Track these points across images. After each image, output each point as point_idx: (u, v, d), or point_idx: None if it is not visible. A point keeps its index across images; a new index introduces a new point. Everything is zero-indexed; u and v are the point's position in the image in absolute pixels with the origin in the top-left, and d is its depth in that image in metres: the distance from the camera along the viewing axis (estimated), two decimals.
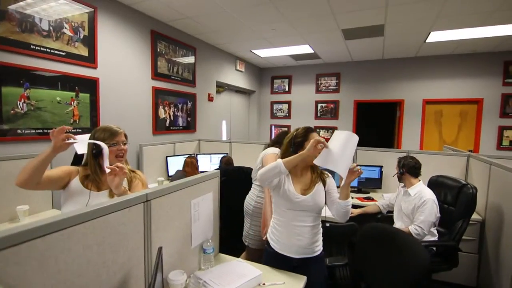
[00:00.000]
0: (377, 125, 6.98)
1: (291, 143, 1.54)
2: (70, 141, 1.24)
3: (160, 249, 1.06)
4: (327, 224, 2.18)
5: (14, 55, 2.24)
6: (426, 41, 4.34)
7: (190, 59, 4.33)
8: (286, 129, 6.38)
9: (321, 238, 1.60)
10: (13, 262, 0.72)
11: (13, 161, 2.16)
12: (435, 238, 2.28)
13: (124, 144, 1.46)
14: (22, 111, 2.30)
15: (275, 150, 2.07)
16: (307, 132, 1.54)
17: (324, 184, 1.55)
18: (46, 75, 2.46)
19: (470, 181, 2.93)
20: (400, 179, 2.42)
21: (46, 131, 2.46)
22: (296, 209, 1.50)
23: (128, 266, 1.06)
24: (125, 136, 1.48)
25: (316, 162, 1.38)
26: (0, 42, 2.14)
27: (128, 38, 3.29)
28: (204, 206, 1.52)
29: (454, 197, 2.32)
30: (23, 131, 2.32)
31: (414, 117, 5.59)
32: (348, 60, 5.88)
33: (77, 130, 2.69)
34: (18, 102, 2.27)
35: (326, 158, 1.36)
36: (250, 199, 2.28)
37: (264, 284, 1.39)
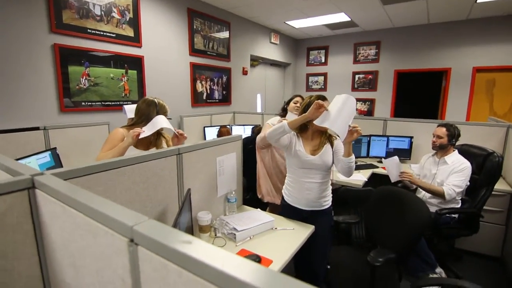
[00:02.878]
0: (419, 96, 6.59)
1: (304, 109, 1.71)
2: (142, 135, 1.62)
3: (188, 190, 1.36)
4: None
5: (76, 38, 2.67)
6: (478, 1, 3.94)
7: (225, 34, 4.52)
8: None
9: (330, 195, 1.80)
10: (87, 186, 1.06)
11: (80, 128, 2.67)
12: (458, 206, 2.32)
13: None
14: (84, 87, 2.76)
15: (275, 121, 2.31)
16: (318, 99, 1.69)
17: (332, 145, 1.71)
18: (101, 55, 2.87)
19: (507, 153, 2.81)
20: (441, 147, 2.36)
21: (103, 103, 2.92)
22: (305, 167, 1.70)
23: (166, 202, 1.39)
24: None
25: (315, 122, 1.55)
26: (64, 28, 2.56)
27: (167, 17, 3.58)
28: (228, 163, 1.80)
29: (479, 166, 2.31)
30: (86, 103, 2.79)
31: (461, 87, 5.19)
32: (389, 27, 5.54)
33: (128, 103, 3.12)
34: (81, 79, 2.73)
35: (324, 118, 1.53)
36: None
37: (276, 228, 1.66)
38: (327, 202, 1.76)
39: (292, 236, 1.59)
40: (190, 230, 1.44)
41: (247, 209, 1.94)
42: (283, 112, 2.38)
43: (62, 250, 0.75)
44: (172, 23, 3.65)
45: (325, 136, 1.71)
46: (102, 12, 2.84)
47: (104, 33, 2.88)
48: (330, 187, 1.79)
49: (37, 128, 2.37)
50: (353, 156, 1.60)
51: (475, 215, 2.22)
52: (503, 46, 4.73)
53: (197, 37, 4.01)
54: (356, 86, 6.18)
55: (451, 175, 2.19)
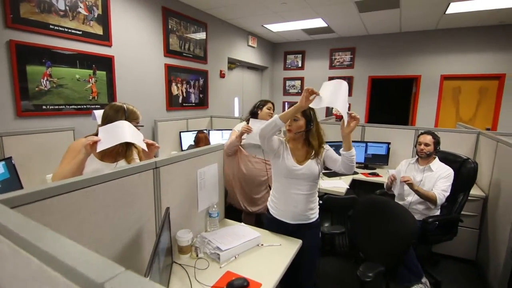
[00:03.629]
0: (392, 101, 6.83)
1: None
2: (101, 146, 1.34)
3: (167, 209, 1.22)
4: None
5: (35, 35, 2.39)
6: (446, 13, 4.14)
7: (201, 35, 4.36)
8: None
9: (317, 207, 1.72)
10: (47, 212, 0.89)
11: (40, 134, 2.39)
12: (438, 211, 2.36)
13: (140, 126, 1.61)
14: (45, 88, 2.48)
15: (240, 127, 2.23)
16: None
17: (318, 154, 1.64)
18: (65, 53, 2.61)
19: (478, 158, 2.92)
20: (428, 154, 2.36)
21: (68, 107, 2.66)
22: (292, 177, 1.62)
23: (141, 222, 1.23)
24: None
25: (312, 105, 1.45)
26: (22, 23, 2.29)
27: (140, 15, 3.36)
28: (209, 175, 1.66)
29: (455, 172, 2.35)
30: (48, 106, 2.52)
31: (430, 93, 5.44)
32: (364, 34, 5.69)
33: (96, 106, 2.87)
34: (42, 80, 2.45)
35: (320, 101, 1.44)
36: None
37: (262, 245, 1.55)
38: (314, 214, 1.69)
39: (279, 253, 1.49)
40: (169, 252, 1.30)
41: (229, 223, 1.81)
42: (251, 116, 2.29)
43: None
44: (145, 22, 3.43)
45: (313, 145, 1.64)
46: (67, 7, 2.58)
47: (69, 30, 2.62)
48: (317, 199, 1.72)
49: None
50: (353, 149, 1.54)
51: (456, 220, 2.27)
52: (469, 55, 5.02)
53: (172, 37, 3.82)
54: None
55: (438, 181, 2.22)
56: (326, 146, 1.69)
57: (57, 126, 2.57)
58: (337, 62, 6.17)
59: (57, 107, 2.59)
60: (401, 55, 5.57)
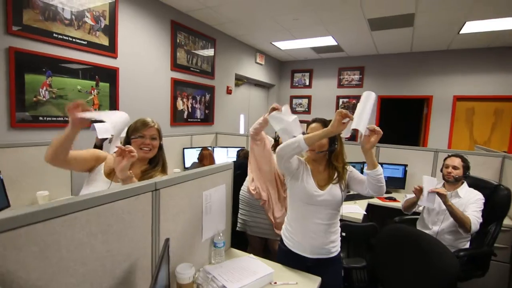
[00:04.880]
0: (402, 122, 6.67)
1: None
2: (85, 114, 1.14)
3: (167, 240, 1.01)
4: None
5: (37, 43, 2.28)
6: (460, 32, 4.04)
7: (210, 51, 4.29)
8: None
9: (339, 239, 1.50)
10: (12, 247, 0.69)
11: (35, 147, 2.22)
12: (468, 244, 2.11)
13: (154, 139, 1.39)
14: (44, 99, 2.34)
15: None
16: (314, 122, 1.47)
17: (342, 178, 1.44)
18: (67, 63, 2.49)
19: (504, 183, 2.69)
20: (457, 179, 2.15)
21: (66, 119, 2.51)
22: (313, 203, 1.41)
23: (134, 257, 1.02)
24: (159, 132, 1.43)
25: (342, 135, 1.29)
26: (24, 30, 2.18)
27: (148, 28, 3.29)
28: (217, 198, 1.47)
29: (485, 199, 2.13)
30: (45, 118, 2.37)
31: (442, 114, 5.26)
32: (373, 53, 5.61)
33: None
34: (40, 90, 2.32)
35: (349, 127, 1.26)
36: (246, 187, 2.24)
37: (275, 283, 1.32)
38: (336, 248, 1.46)
39: None
40: None
41: (236, 254, 1.59)
42: (274, 143, 2.16)
43: None
44: (153, 35, 3.35)
45: (337, 167, 1.44)
46: (73, 16, 2.49)
47: (73, 40, 2.52)
48: (339, 230, 1.50)
49: None
50: (379, 167, 1.32)
51: (489, 253, 2.02)
52: (482, 76, 4.89)
53: (180, 51, 3.73)
54: None
55: (467, 207, 1.98)
56: (349, 168, 1.49)
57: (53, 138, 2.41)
58: (346, 81, 6.07)
59: (55, 118, 2.44)
60: (412, 75, 5.46)
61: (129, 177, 1.21)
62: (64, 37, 2.45)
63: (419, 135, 5.86)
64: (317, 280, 1.36)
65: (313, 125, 1.48)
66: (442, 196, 1.93)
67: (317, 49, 5.41)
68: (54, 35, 2.37)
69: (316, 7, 3.41)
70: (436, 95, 5.29)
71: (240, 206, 2.30)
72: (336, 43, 4.90)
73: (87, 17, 2.60)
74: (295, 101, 6.66)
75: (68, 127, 1.15)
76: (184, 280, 1.16)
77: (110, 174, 1.30)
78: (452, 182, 2.14)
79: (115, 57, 2.91)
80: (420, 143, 5.70)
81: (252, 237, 2.24)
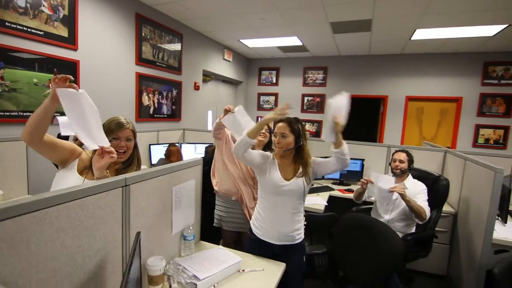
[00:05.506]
0: (361, 120, 7.10)
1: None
2: (70, 90, 1.10)
3: (138, 234, 1.05)
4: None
5: None
6: (412, 38, 4.43)
7: (177, 46, 4.23)
8: None
9: (303, 227, 1.63)
10: None
11: None
12: (414, 229, 2.36)
13: (129, 140, 1.36)
14: None
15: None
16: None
17: (307, 166, 1.59)
18: (22, 55, 2.33)
19: (445, 175, 3.04)
20: (403, 172, 2.38)
21: (21, 113, 2.36)
22: (279, 194, 1.53)
23: (105, 251, 1.04)
24: (133, 132, 1.38)
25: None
26: None
27: (111, 20, 3.17)
28: (186, 193, 1.51)
29: (428, 189, 2.40)
30: None
31: (396, 113, 5.73)
32: (336, 54, 5.91)
33: (56, 115, 2.58)
34: None
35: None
36: None
37: (243, 270, 1.41)
38: (300, 235, 1.59)
39: (262, 279, 1.36)
40: (139, 283, 1.11)
41: (205, 246, 1.65)
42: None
43: None
44: (117, 27, 3.24)
45: (302, 163, 1.57)
46: (28, 4, 2.33)
47: (29, 30, 2.36)
48: (303, 219, 1.63)
49: None
50: (345, 145, 1.55)
51: (432, 236, 2.30)
52: (431, 79, 5.40)
53: (145, 45, 3.64)
54: (305, 107, 6.38)
55: (415, 197, 2.21)
56: (312, 158, 1.63)
57: (6, 135, 2.26)
58: (310, 80, 6.32)
59: (8, 113, 2.28)
60: (370, 76, 5.85)
61: (105, 176, 1.21)
62: (18, 27, 2.29)
63: (376, 131, 6.31)
64: (282, 265, 1.48)
65: (279, 124, 1.60)
66: (402, 195, 2.13)
67: (283, 48, 5.57)
68: (7, 24, 2.21)
69: (282, 9, 3.53)
70: (391, 95, 5.74)
71: (216, 202, 2.32)
72: (301, 43, 5.09)
73: (44, 6, 2.45)
74: (262, 98, 6.78)
75: (47, 99, 1.09)
76: (155, 272, 1.20)
77: (83, 171, 1.27)
78: (399, 174, 2.38)
79: (75, 49, 2.77)
80: (377, 139, 6.14)
81: (227, 231, 2.26)
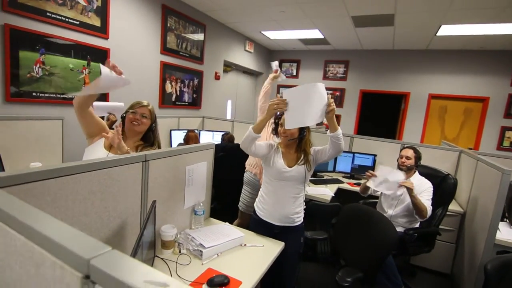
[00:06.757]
0: (380, 116, 7.01)
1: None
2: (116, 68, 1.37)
3: (153, 202, 1.23)
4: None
5: (31, 21, 2.37)
6: (437, 34, 4.31)
7: (199, 36, 4.39)
8: None
9: (303, 212, 1.76)
10: (31, 195, 0.89)
11: (28, 121, 2.35)
12: (418, 224, 2.42)
13: (144, 117, 1.58)
14: (37, 75, 2.45)
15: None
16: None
17: (307, 155, 1.70)
18: (60, 42, 2.58)
19: (459, 176, 3.03)
20: (409, 168, 2.41)
21: (59, 95, 2.63)
22: (282, 179, 1.67)
23: (126, 214, 1.23)
24: (151, 112, 1.61)
25: (287, 127, 1.58)
26: (19, 7, 2.26)
27: (140, 11, 3.37)
28: (198, 173, 1.68)
29: (435, 186, 2.43)
30: (38, 94, 2.48)
31: (418, 110, 5.61)
32: (358, 48, 5.84)
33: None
34: (34, 67, 2.42)
35: (292, 119, 1.54)
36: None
37: (245, 245, 1.57)
38: (299, 218, 1.73)
39: (262, 254, 1.51)
40: (152, 246, 1.30)
41: (214, 222, 1.82)
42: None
43: None
44: (144, 18, 3.44)
45: (304, 152, 1.69)
46: None
47: (66, 19, 2.60)
48: (303, 204, 1.75)
49: None
50: (339, 129, 1.59)
51: (435, 233, 2.35)
52: (456, 77, 5.22)
53: (170, 35, 3.83)
54: None
55: (419, 195, 2.26)
56: (311, 148, 1.75)
57: (45, 114, 2.54)
58: (331, 73, 6.30)
59: (47, 95, 2.55)
60: (393, 71, 5.74)
61: (127, 152, 1.41)
62: (57, 17, 2.53)
63: (396, 128, 6.22)
64: (281, 244, 1.62)
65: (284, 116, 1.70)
66: (409, 190, 2.18)
67: (305, 41, 5.58)
68: (48, 13, 2.46)
69: (302, 2, 3.57)
70: (413, 92, 5.61)
71: (244, 187, 2.48)
72: (322, 36, 5.08)
73: None
74: (282, 90, 6.84)
75: (98, 78, 1.35)
76: (167, 237, 1.38)
77: (109, 147, 1.50)
78: (405, 170, 2.42)
79: (107, 38, 3.00)
80: (396, 136, 6.06)
81: (246, 214, 2.40)
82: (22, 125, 2.30)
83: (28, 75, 2.39)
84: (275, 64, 2.63)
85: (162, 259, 1.35)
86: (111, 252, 0.44)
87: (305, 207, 1.77)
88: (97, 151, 1.45)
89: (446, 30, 4.05)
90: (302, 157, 1.68)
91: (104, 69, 1.33)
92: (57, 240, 0.45)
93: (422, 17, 3.69)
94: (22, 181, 0.86)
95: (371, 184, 2.30)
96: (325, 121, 1.64)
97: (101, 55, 2.95)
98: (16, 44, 2.28)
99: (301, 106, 1.51)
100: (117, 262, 0.41)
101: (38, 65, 2.44)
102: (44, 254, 0.46)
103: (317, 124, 1.65)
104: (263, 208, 1.73)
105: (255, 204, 1.81)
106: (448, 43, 4.79)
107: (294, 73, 6.66)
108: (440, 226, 2.53)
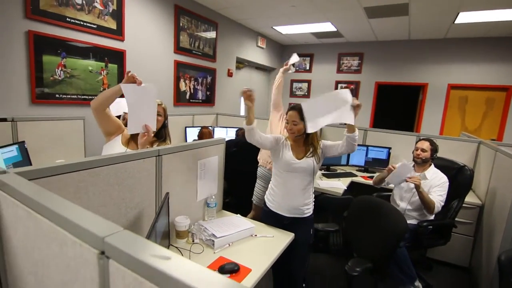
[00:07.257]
0: (397, 108, 6.84)
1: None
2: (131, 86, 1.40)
3: (167, 194, 1.30)
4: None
5: (53, 26, 2.51)
6: (455, 22, 4.15)
7: (212, 34, 4.46)
8: None
9: (312, 203, 1.79)
10: (56, 187, 0.98)
11: (52, 121, 2.51)
12: (432, 217, 2.39)
13: (158, 115, 1.63)
14: (59, 78, 2.60)
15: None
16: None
17: (317, 149, 1.74)
18: (79, 45, 2.72)
19: (477, 167, 2.95)
20: (424, 161, 2.37)
21: (80, 96, 2.77)
22: (291, 171, 1.71)
23: (142, 206, 1.32)
24: (164, 110, 1.72)
25: (308, 131, 1.62)
26: (41, 14, 2.41)
27: (153, 12, 3.48)
28: (210, 166, 1.75)
29: (451, 178, 2.38)
30: (60, 95, 2.64)
31: (437, 102, 5.43)
32: (372, 40, 5.72)
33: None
34: (56, 70, 2.57)
35: (314, 123, 1.60)
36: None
37: (256, 235, 1.63)
38: (309, 210, 1.76)
39: (272, 244, 1.56)
40: (166, 235, 1.38)
41: (226, 214, 1.89)
42: None
43: (24, 256, 0.68)
44: (157, 19, 3.55)
45: (311, 145, 1.72)
46: (84, 1, 2.70)
47: (84, 24, 2.74)
48: (313, 196, 1.79)
49: (4, 120, 2.19)
50: (357, 130, 1.67)
51: (450, 225, 2.31)
52: (477, 65, 5.01)
53: (183, 35, 3.92)
54: None
55: (432, 189, 2.22)
56: (321, 141, 1.77)
57: (68, 114, 2.69)
58: (345, 66, 6.21)
59: (69, 96, 2.70)
60: (409, 62, 5.58)
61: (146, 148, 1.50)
62: (76, 21, 2.67)
63: (413, 121, 6.06)
64: (291, 235, 1.66)
65: (290, 112, 1.75)
66: (416, 186, 2.15)
67: (317, 34, 5.53)
68: (67, 19, 2.60)
69: None
70: (432, 83, 5.44)
71: (257, 181, 2.53)
72: (335, 29, 5.02)
73: (96, 2, 2.80)
74: (295, 85, 6.83)
75: (118, 87, 1.40)
76: (181, 228, 1.46)
77: (126, 143, 1.59)
78: (420, 163, 2.38)
79: (122, 40, 3.13)
80: (414, 128, 5.90)
81: (260, 207, 2.40)
82: (47, 125, 2.46)
83: (51, 78, 2.54)
84: (295, 57, 2.66)
85: (176, 247, 1.43)
86: (123, 232, 0.50)
87: (315, 199, 1.81)
88: (115, 147, 1.54)
89: (465, 17, 3.90)
90: (310, 150, 1.71)
91: (126, 88, 1.34)
92: (76, 222, 0.52)
93: (438, 4, 3.57)
94: (48, 174, 0.95)
95: (390, 179, 2.30)
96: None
97: (118, 57, 3.08)
98: (40, 49, 2.43)
99: (321, 113, 1.60)
100: (128, 240, 0.47)
101: (60, 68, 2.59)
102: (66, 234, 0.54)
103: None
104: (273, 200, 1.78)
105: (265, 197, 1.86)
106: (468, 31, 4.60)
107: (308, 67, 6.62)
108: (458, 219, 2.49)
